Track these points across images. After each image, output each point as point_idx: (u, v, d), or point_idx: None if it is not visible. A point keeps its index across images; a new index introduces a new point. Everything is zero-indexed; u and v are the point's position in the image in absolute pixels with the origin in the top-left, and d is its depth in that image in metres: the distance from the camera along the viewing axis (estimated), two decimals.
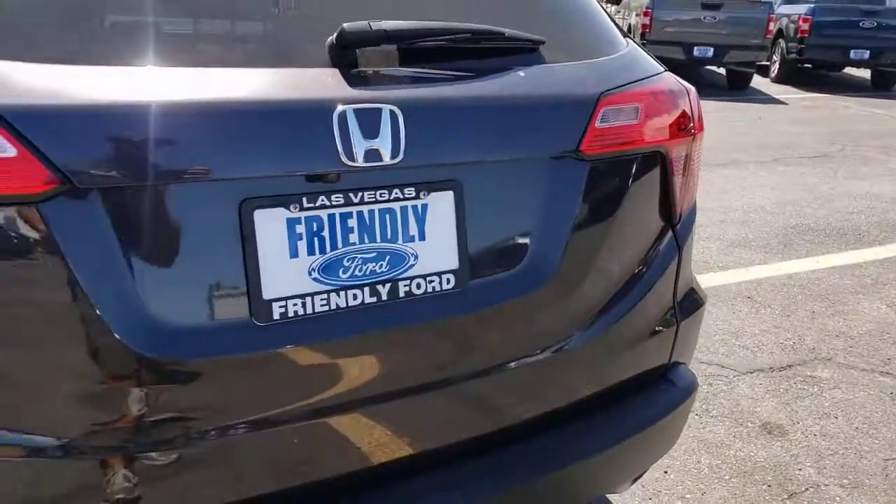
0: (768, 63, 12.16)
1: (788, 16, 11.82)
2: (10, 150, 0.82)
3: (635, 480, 1.65)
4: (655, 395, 1.45)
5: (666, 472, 2.20)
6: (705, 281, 3.34)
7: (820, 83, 12.25)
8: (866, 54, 11.35)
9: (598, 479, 1.40)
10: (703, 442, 2.35)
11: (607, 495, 2.07)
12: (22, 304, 0.87)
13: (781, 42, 11.89)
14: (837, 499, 2.10)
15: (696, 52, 10.56)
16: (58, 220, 0.85)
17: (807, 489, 2.14)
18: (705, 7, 10.55)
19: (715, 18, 10.49)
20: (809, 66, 12.11)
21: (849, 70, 13.33)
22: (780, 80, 12.12)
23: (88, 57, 0.92)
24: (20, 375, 0.88)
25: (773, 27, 10.97)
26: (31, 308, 0.87)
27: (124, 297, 0.90)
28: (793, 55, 11.68)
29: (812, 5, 11.60)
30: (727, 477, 2.19)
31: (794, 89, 11.53)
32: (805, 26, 11.29)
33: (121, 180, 0.88)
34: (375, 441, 1.12)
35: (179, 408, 0.96)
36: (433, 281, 1.11)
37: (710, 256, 3.97)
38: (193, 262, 0.95)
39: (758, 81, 11.86)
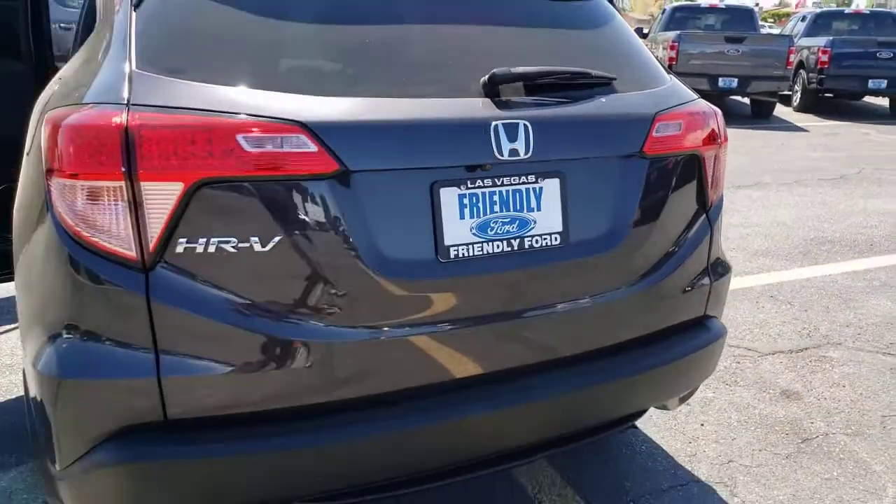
0: (790, 93, 12.66)
1: (809, 48, 12.35)
2: (313, 147, 1.39)
3: (682, 401, 2.16)
4: (695, 335, 1.97)
5: (702, 425, 2.69)
6: (733, 284, 3.85)
7: (840, 112, 12.72)
8: (884, 83, 11.82)
9: (657, 389, 1.92)
10: (733, 404, 2.84)
11: (659, 443, 2.57)
12: (316, 240, 1.43)
13: (802, 73, 12.41)
14: (842, 443, 2.58)
15: (720, 83, 11.12)
16: (338, 191, 1.42)
17: (817, 436, 2.63)
18: (729, 41, 11.12)
19: (738, 51, 11.05)
20: (830, 95, 12.58)
21: (868, 99, 13.78)
22: (802, 108, 12.64)
23: (351, 91, 1.50)
24: (319, 290, 1.44)
25: (793, 59, 11.48)
26: (321, 243, 1.43)
27: (369, 239, 1.46)
28: (813, 85, 12.18)
29: (831, 38, 12.13)
30: (752, 428, 2.68)
31: (815, 118, 12.01)
32: (824, 58, 11.81)
33: (372, 166, 1.45)
34: (507, 343, 1.66)
35: (396, 307, 1.51)
36: (545, 238, 1.65)
37: (737, 264, 4.47)
38: (405, 221, 1.51)
39: (780, 110, 12.38)
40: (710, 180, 1.92)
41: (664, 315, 1.91)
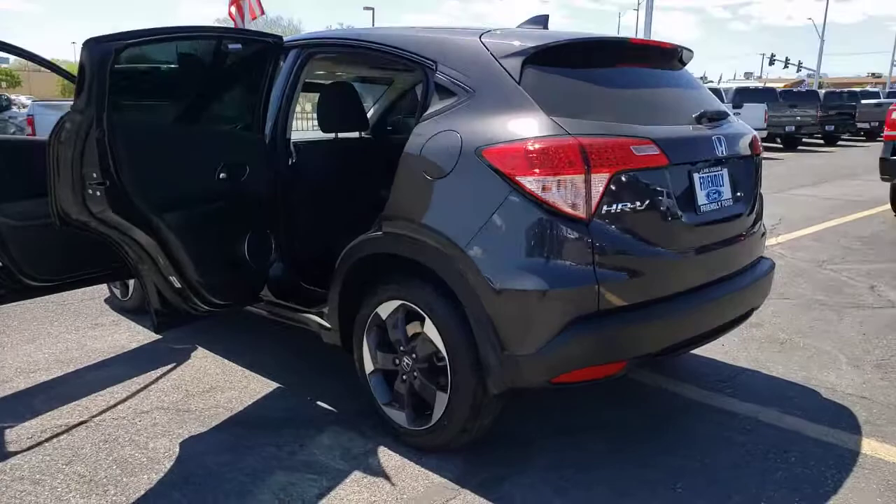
0: None
1: None
2: (657, 151, 2.54)
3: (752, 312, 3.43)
4: (763, 265, 3.30)
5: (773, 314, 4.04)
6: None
7: None
8: None
9: (757, 296, 3.16)
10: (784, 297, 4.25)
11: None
12: (660, 203, 2.56)
13: None
14: None
15: None
16: (667, 175, 2.58)
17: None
18: None
19: None
20: None
21: None
22: None
23: (654, 121, 2.68)
24: (662, 227, 2.58)
25: None
26: (662, 205, 2.57)
27: (678, 200, 2.62)
28: None
29: None
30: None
31: None
32: None
33: (676, 161, 2.63)
34: (719, 262, 2.87)
35: (689, 238, 2.68)
36: (727, 202, 2.88)
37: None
38: (683, 196, 2.68)
39: None
40: (761, 171, 3.30)
41: (758, 249, 3.22)
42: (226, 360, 3.86)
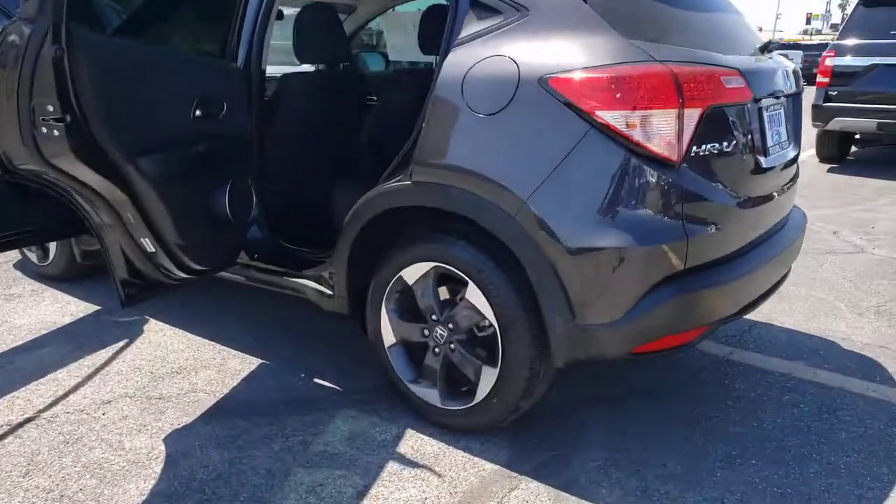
0: None
1: None
2: (743, 83, 2.20)
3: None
4: (798, 214, 3.06)
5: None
6: None
7: None
8: None
9: (796, 252, 2.92)
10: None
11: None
12: (747, 140, 2.25)
13: None
14: None
15: None
16: (749, 113, 2.26)
17: None
18: None
19: None
20: None
21: None
22: None
23: (734, 53, 2.35)
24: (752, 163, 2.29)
25: None
26: (748, 140, 2.25)
27: (759, 146, 2.32)
28: None
29: None
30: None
31: None
32: None
33: (758, 95, 2.31)
34: (777, 211, 2.61)
35: (766, 185, 2.40)
36: (785, 144, 2.63)
37: None
38: (759, 136, 2.37)
39: None
40: None
41: (795, 195, 3.01)
42: (188, 333, 3.30)
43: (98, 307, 3.62)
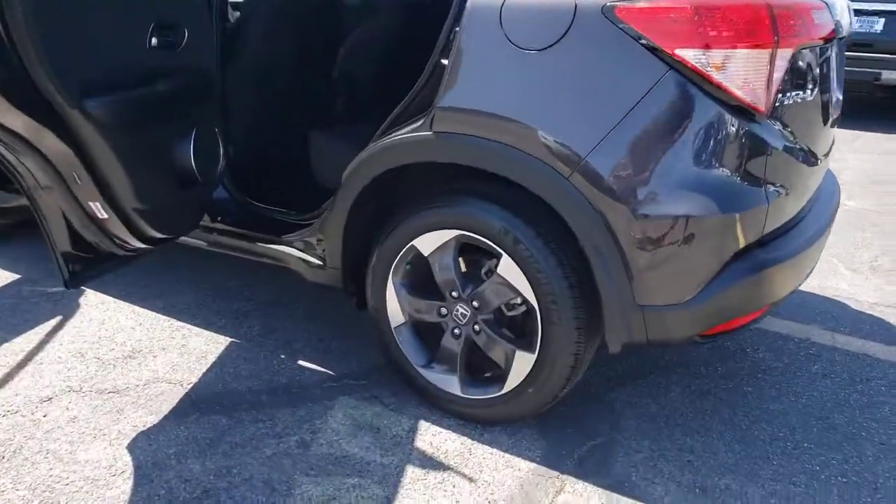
0: None
1: None
2: (830, 20, 1.88)
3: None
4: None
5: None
6: None
7: None
8: None
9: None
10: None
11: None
12: (810, 107, 1.92)
13: None
14: None
15: None
16: (827, 57, 1.94)
17: None
18: None
19: None
20: None
21: None
22: None
23: None
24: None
25: None
26: (816, 106, 1.94)
27: (827, 93, 2.01)
28: None
29: None
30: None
31: None
32: None
33: (836, 36, 1.98)
34: (823, 171, 2.34)
35: (826, 140, 2.12)
36: (836, 93, 2.33)
37: None
38: (829, 78, 2.07)
39: None
40: None
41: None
42: (135, 307, 2.81)
43: (17, 275, 3.05)
